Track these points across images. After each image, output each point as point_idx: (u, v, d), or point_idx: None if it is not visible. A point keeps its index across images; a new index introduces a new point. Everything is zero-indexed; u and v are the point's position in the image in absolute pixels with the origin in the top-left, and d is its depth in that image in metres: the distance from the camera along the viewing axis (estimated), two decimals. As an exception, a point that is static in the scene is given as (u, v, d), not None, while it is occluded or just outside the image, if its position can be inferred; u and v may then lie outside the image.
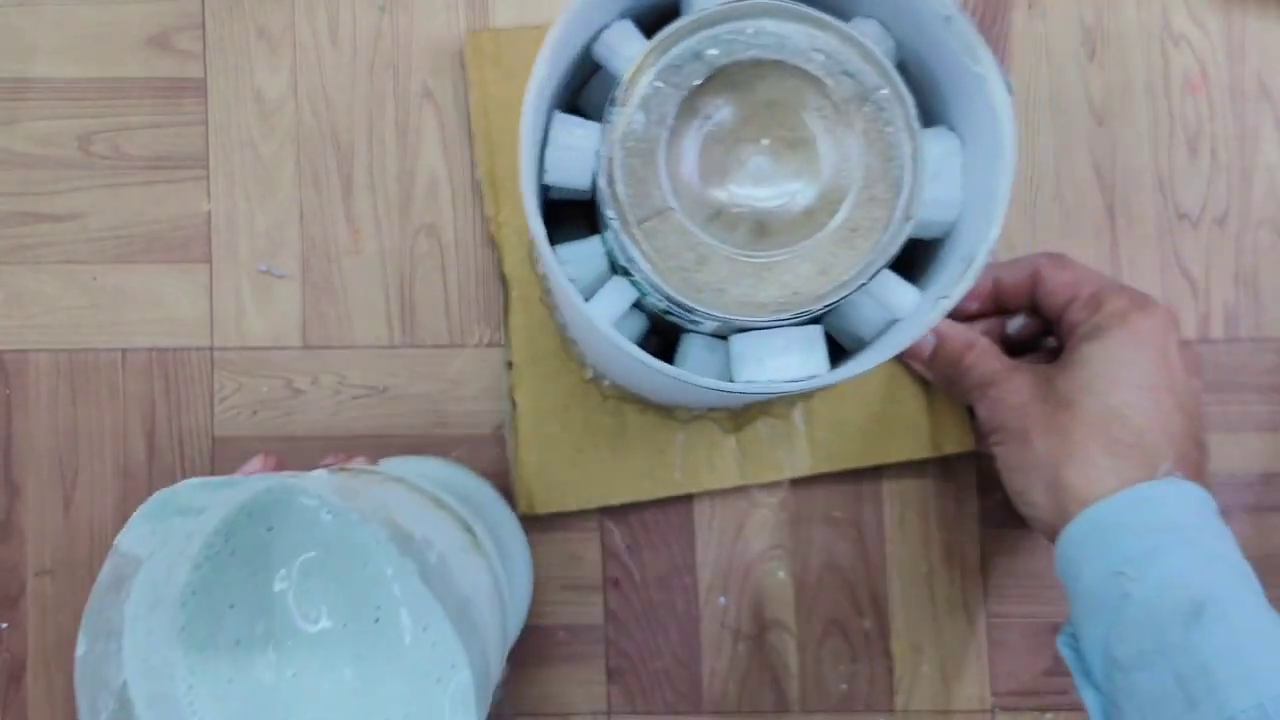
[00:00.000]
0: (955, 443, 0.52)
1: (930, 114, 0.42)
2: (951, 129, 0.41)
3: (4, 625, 0.52)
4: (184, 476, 0.53)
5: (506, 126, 0.52)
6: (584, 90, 0.44)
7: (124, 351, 0.53)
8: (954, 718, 0.53)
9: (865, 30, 0.40)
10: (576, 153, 0.39)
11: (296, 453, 0.53)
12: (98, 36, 0.54)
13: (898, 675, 0.53)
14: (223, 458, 0.53)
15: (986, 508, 0.53)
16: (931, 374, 0.51)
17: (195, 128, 0.54)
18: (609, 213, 0.37)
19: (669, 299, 0.38)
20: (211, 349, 0.53)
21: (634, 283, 0.39)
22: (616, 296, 0.40)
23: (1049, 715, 0.53)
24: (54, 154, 0.53)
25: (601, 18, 0.40)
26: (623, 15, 0.41)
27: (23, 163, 0.53)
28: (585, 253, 0.41)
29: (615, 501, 0.52)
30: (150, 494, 0.52)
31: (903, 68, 0.41)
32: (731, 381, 0.39)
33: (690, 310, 0.38)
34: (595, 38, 0.40)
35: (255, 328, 0.53)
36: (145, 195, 0.53)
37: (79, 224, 0.53)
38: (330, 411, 0.53)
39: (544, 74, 0.37)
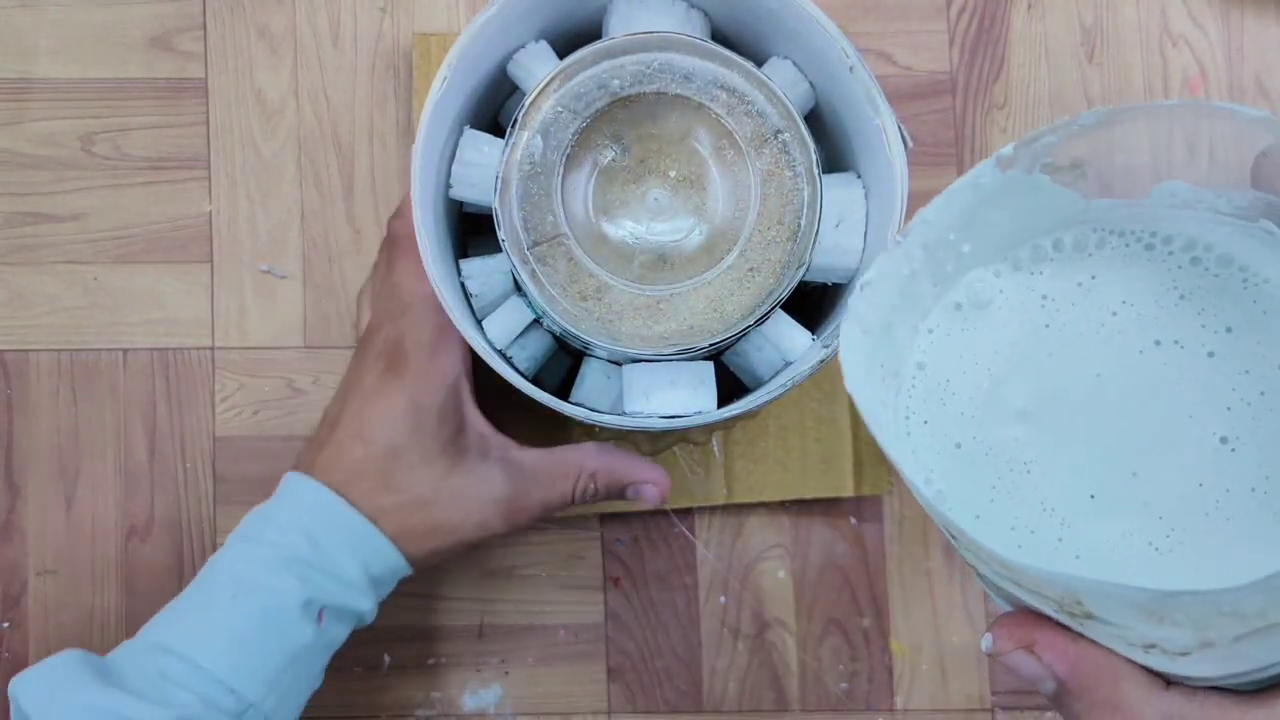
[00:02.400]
0: (874, 485, 0.52)
1: (843, 160, 0.42)
2: (859, 176, 0.41)
3: (5, 625, 0.52)
4: (184, 477, 0.53)
5: None
6: (504, 108, 0.44)
7: (125, 351, 0.53)
8: (954, 717, 0.53)
9: (779, 73, 0.40)
10: (482, 169, 0.39)
11: (297, 453, 0.53)
12: (99, 37, 0.54)
13: (898, 675, 0.53)
14: (224, 458, 0.53)
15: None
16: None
17: (196, 128, 0.54)
18: (501, 234, 0.37)
19: (560, 326, 0.37)
20: (212, 349, 0.53)
21: (529, 304, 0.39)
22: (513, 316, 0.40)
23: (1049, 715, 0.53)
24: (55, 154, 0.53)
25: (519, 37, 0.40)
26: (541, 36, 0.40)
27: (24, 163, 0.53)
28: (490, 268, 0.40)
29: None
30: (150, 494, 0.52)
31: (817, 112, 0.41)
32: (622, 411, 0.39)
33: (578, 339, 0.38)
34: (511, 56, 0.40)
35: (256, 328, 0.53)
36: (146, 195, 0.53)
37: (80, 224, 0.53)
38: (331, 411, 0.53)
39: (443, 85, 0.37)
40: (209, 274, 0.53)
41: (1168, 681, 0.24)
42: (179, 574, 0.52)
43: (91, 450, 0.53)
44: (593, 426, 0.42)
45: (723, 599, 0.53)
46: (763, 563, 0.53)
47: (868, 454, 0.52)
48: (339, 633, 0.43)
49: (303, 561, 0.42)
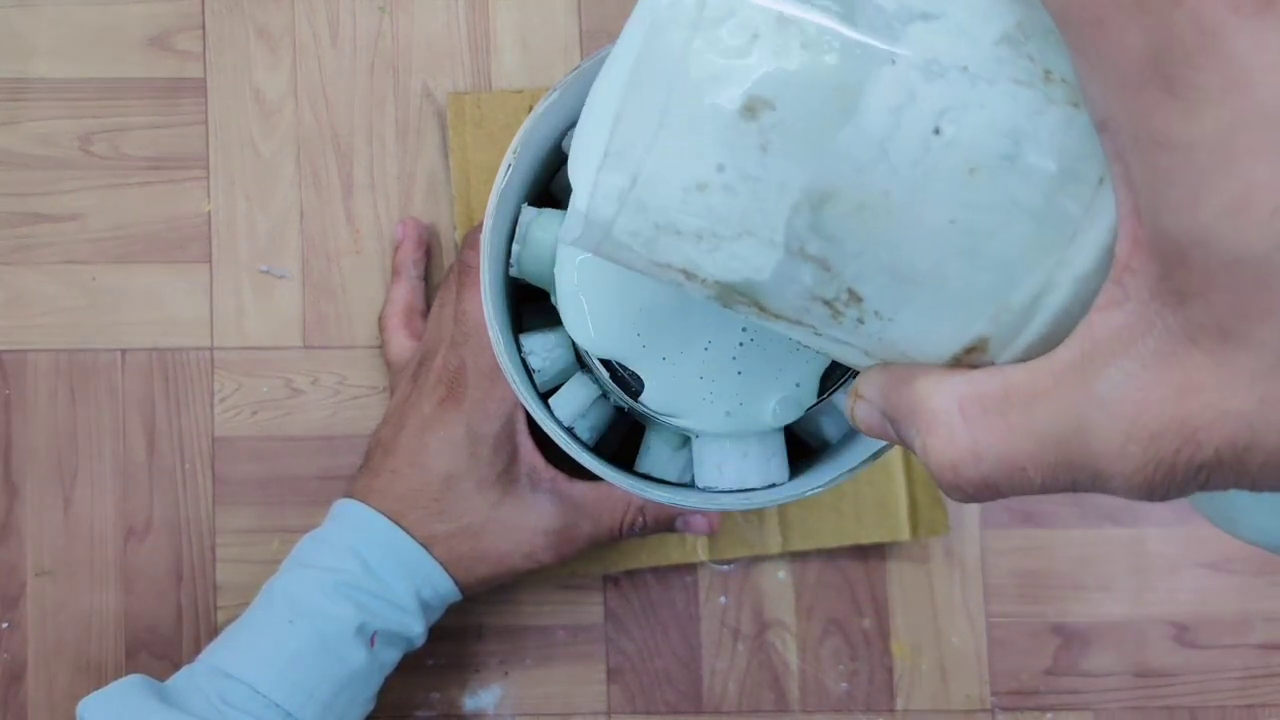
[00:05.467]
0: (930, 527, 0.52)
1: None
2: None
3: (4, 625, 0.52)
4: (184, 477, 0.53)
5: (486, 191, 0.51)
6: (557, 176, 0.43)
7: (124, 352, 0.53)
8: (954, 718, 0.53)
9: None
10: (544, 246, 0.38)
11: (296, 453, 0.53)
12: (98, 37, 0.54)
13: (898, 675, 0.53)
14: (223, 458, 0.53)
15: (987, 508, 0.53)
16: None
17: (195, 128, 0.54)
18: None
19: (629, 404, 0.37)
20: (211, 349, 0.53)
21: (595, 379, 0.39)
22: (580, 392, 0.39)
23: (1049, 715, 0.53)
24: (54, 154, 0.53)
25: (575, 113, 0.39)
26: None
27: (23, 163, 0.53)
28: (551, 344, 0.40)
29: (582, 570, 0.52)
30: (149, 495, 0.52)
31: None
32: (691, 481, 0.38)
33: (650, 419, 0.37)
34: (567, 131, 0.39)
35: (255, 328, 0.53)
36: (145, 195, 0.53)
37: (79, 224, 0.53)
38: (330, 411, 0.53)
39: (508, 173, 0.36)
40: (207, 274, 0.53)
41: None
42: (177, 574, 0.52)
43: (90, 451, 0.53)
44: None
45: (723, 599, 0.53)
46: (763, 563, 0.53)
47: (922, 496, 0.52)
48: (390, 657, 0.44)
49: (357, 587, 0.43)
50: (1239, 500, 0.25)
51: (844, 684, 0.53)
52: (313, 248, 0.53)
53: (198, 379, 0.53)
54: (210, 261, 0.53)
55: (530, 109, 0.37)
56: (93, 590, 0.52)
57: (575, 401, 0.39)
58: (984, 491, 0.22)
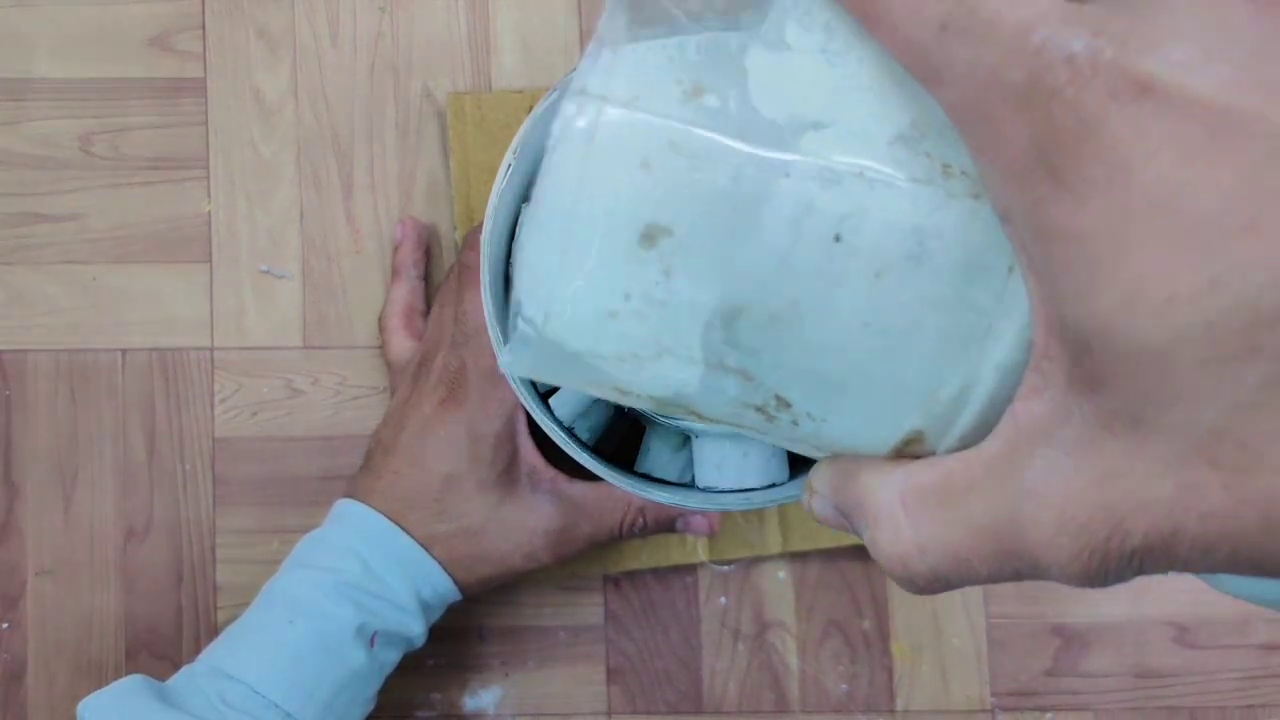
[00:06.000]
0: None
1: None
2: None
3: (4, 625, 0.52)
4: (184, 478, 0.53)
5: (486, 191, 0.51)
6: None
7: (124, 352, 0.53)
8: (954, 718, 0.53)
9: None
10: None
11: (297, 454, 0.53)
12: (98, 37, 0.54)
13: (898, 675, 0.53)
14: (223, 459, 0.53)
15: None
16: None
17: (195, 128, 0.54)
18: None
19: (629, 407, 0.37)
20: (212, 349, 0.53)
21: None
22: (580, 392, 0.39)
23: (1049, 715, 0.53)
24: (54, 154, 0.53)
25: None
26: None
27: (23, 163, 0.53)
28: None
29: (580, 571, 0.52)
30: (149, 495, 0.52)
31: None
32: (691, 481, 0.38)
33: (650, 419, 0.37)
34: None
35: (255, 328, 0.53)
36: (145, 195, 0.53)
37: (79, 224, 0.53)
38: (330, 412, 0.53)
39: (507, 174, 0.36)
40: (208, 274, 0.53)
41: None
42: (178, 575, 0.52)
43: (90, 451, 0.53)
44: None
45: (723, 600, 0.53)
46: (763, 563, 0.53)
47: None
48: (390, 657, 0.44)
49: (357, 587, 0.43)
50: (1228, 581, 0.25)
51: (844, 685, 0.53)
52: (313, 248, 0.53)
53: (198, 379, 0.53)
54: (210, 262, 0.53)
55: (530, 109, 0.37)
56: (93, 590, 0.52)
57: (575, 401, 0.39)
58: (934, 584, 0.21)
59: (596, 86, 0.21)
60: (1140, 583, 0.53)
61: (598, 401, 0.40)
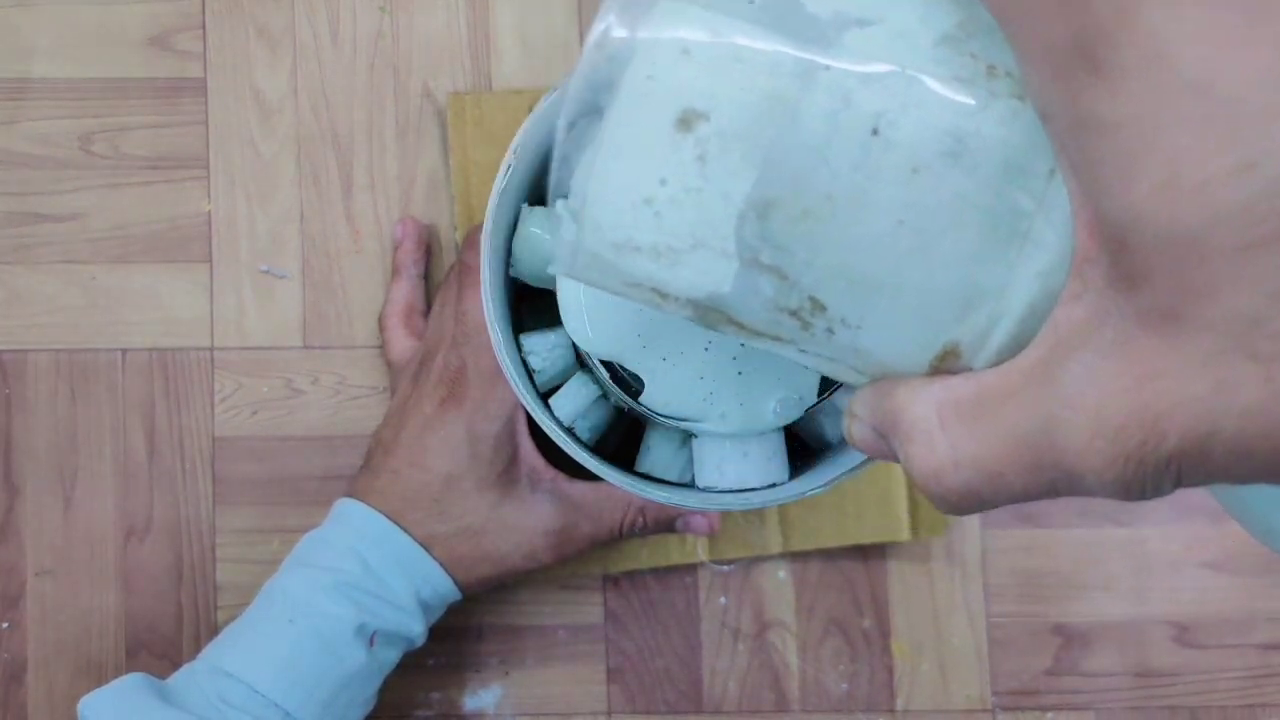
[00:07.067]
0: (931, 527, 0.52)
1: None
2: None
3: (4, 625, 0.52)
4: (184, 477, 0.53)
5: (486, 191, 0.51)
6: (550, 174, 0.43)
7: (124, 351, 0.53)
8: (954, 718, 0.53)
9: None
10: (544, 246, 0.38)
11: (297, 453, 0.53)
12: (98, 36, 0.54)
13: (898, 675, 0.53)
14: (223, 458, 0.53)
15: (987, 507, 0.53)
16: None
17: (195, 128, 0.54)
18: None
19: (629, 405, 0.37)
20: (212, 349, 0.53)
21: (596, 379, 0.39)
22: (580, 392, 0.39)
23: (1049, 715, 0.53)
24: (54, 154, 0.53)
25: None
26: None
27: (23, 163, 0.53)
28: (551, 343, 0.39)
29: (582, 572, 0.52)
30: (149, 495, 0.52)
31: None
32: (691, 481, 0.38)
33: (651, 418, 0.37)
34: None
35: (255, 328, 0.53)
36: (145, 195, 0.53)
37: (79, 224, 0.53)
38: (330, 411, 0.53)
39: (508, 173, 0.36)
40: (208, 274, 0.53)
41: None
42: (178, 574, 0.52)
43: (90, 450, 0.53)
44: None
45: (723, 599, 0.53)
46: (763, 563, 0.53)
47: (923, 496, 0.52)
48: (390, 656, 0.44)
49: (357, 586, 0.43)
50: (1273, 509, 0.24)
51: (844, 684, 0.53)
52: (313, 248, 0.53)
53: (198, 379, 0.53)
54: (210, 261, 0.53)
55: (530, 109, 0.37)
56: (93, 590, 0.52)
57: (575, 401, 0.39)
58: (968, 499, 0.21)
59: None
60: (1142, 581, 0.53)
61: (598, 401, 0.40)
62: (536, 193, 0.41)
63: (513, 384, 0.37)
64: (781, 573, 0.53)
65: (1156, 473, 0.18)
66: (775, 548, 0.52)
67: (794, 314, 0.23)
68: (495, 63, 0.54)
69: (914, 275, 0.21)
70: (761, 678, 0.53)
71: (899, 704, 0.53)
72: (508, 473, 0.45)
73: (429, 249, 0.53)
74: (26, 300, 0.53)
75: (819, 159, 0.21)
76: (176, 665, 0.44)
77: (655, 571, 0.53)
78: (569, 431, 0.39)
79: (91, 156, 0.53)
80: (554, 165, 0.24)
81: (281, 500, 0.53)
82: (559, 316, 0.35)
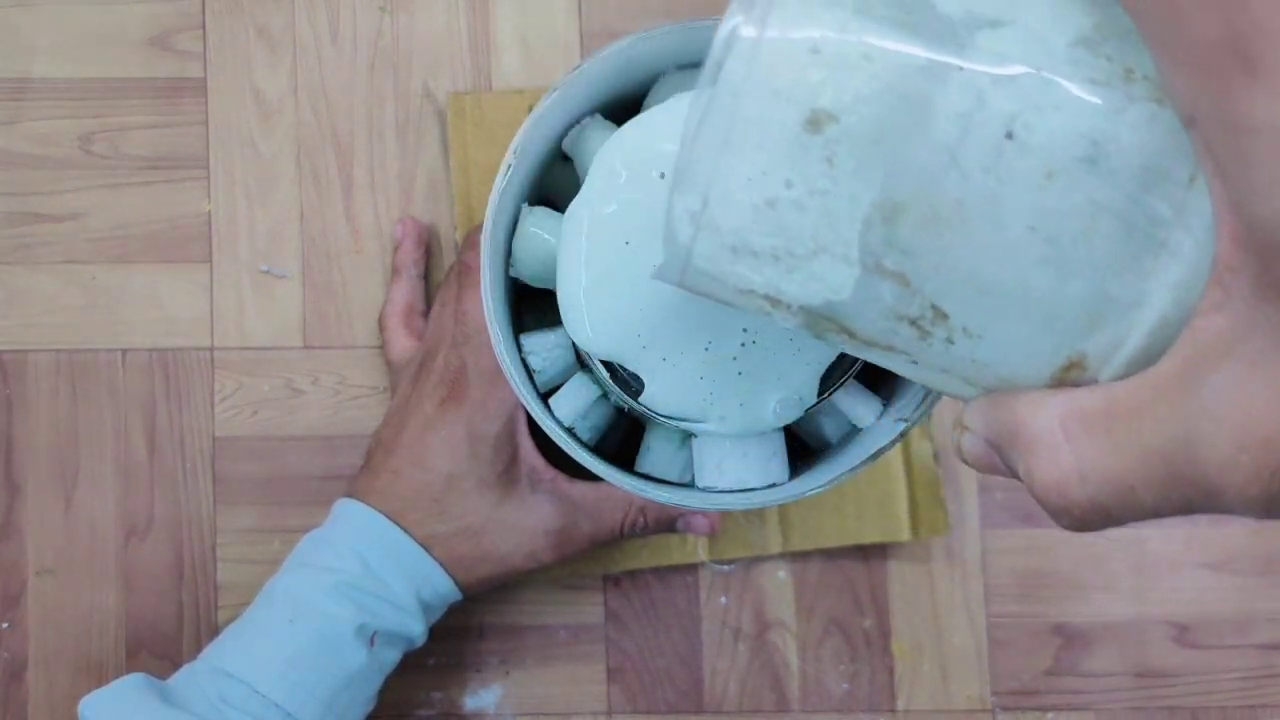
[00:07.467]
0: (931, 526, 0.52)
1: None
2: None
3: (4, 625, 0.52)
4: (184, 477, 0.53)
5: (486, 191, 0.51)
6: (557, 176, 0.43)
7: (124, 351, 0.53)
8: (955, 718, 0.53)
9: None
10: (543, 246, 0.38)
11: (297, 453, 0.53)
12: (98, 36, 0.54)
13: (898, 675, 0.53)
14: (223, 458, 0.53)
15: (987, 507, 0.53)
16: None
17: (195, 128, 0.54)
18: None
19: (629, 404, 0.37)
20: (212, 349, 0.53)
21: (596, 380, 0.39)
22: (580, 392, 0.39)
23: (1050, 715, 0.53)
24: (54, 154, 0.53)
25: (574, 113, 0.39)
26: (594, 110, 0.39)
27: (23, 163, 0.53)
28: (551, 343, 0.39)
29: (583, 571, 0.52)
30: (150, 494, 0.52)
31: None
32: (691, 481, 0.38)
33: (651, 418, 0.37)
34: (566, 131, 0.39)
35: (255, 328, 0.53)
36: (145, 195, 0.53)
37: (79, 224, 0.53)
38: (330, 411, 0.53)
39: (508, 173, 0.35)
40: (208, 274, 0.53)
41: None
42: (178, 574, 0.52)
43: (90, 450, 0.53)
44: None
45: (723, 599, 0.53)
46: (763, 563, 0.53)
47: (923, 496, 0.52)
48: (391, 656, 0.44)
49: (357, 587, 0.43)
50: None
51: (845, 684, 0.53)
52: (313, 248, 0.53)
53: (198, 379, 0.53)
54: (210, 261, 0.53)
55: (530, 109, 0.37)
56: (93, 589, 0.52)
57: (575, 401, 0.39)
58: (1093, 515, 0.20)
59: None
60: (1142, 581, 0.53)
61: (598, 401, 0.40)
62: (536, 193, 0.41)
63: (513, 384, 0.37)
64: (782, 573, 0.53)
65: None
66: (775, 548, 0.52)
67: (913, 323, 0.22)
68: (495, 63, 0.54)
69: (1044, 284, 0.21)
70: (762, 678, 0.53)
71: (899, 704, 0.53)
72: (508, 473, 0.45)
73: (429, 249, 0.53)
74: (26, 300, 0.53)
75: (949, 162, 0.20)
76: (177, 665, 0.44)
77: (656, 571, 0.53)
78: (569, 431, 0.39)
79: (91, 156, 0.53)
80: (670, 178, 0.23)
81: (282, 500, 0.53)
82: (559, 316, 0.35)
